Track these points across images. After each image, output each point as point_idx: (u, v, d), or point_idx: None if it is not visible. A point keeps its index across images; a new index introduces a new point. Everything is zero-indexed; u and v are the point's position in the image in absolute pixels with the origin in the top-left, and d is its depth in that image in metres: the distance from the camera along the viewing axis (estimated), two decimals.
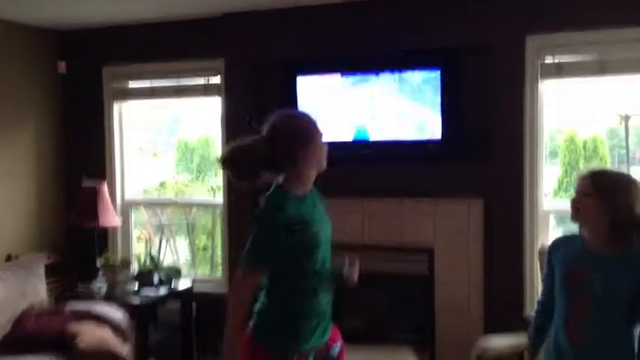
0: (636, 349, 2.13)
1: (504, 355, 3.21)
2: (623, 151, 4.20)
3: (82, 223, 4.13)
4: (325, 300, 2.18)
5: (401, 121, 3.68)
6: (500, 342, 3.22)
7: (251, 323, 2.20)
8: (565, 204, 3.93)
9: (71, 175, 4.58)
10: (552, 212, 3.65)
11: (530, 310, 3.52)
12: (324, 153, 2.17)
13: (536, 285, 3.54)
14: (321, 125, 2.19)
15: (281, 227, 2.05)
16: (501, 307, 3.56)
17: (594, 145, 4.31)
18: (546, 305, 2.29)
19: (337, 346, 2.28)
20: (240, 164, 2.11)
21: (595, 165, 4.17)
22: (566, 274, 2.18)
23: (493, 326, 3.51)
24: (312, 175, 2.17)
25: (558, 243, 2.29)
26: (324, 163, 2.18)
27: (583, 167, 4.25)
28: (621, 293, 2.07)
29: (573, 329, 2.14)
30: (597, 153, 4.29)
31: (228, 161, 2.13)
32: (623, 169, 4.16)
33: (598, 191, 2.10)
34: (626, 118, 3.97)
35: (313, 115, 2.22)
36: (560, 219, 3.80)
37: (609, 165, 4.24)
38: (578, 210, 2.16)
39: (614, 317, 2.09)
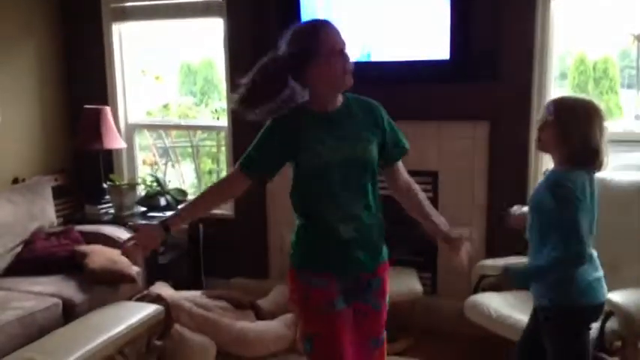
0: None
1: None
2: (634, 72, 4.12)
3: (86, 145, 4.13)
4: (348, 228, 2.01)
5: (409, 40, 3.58)
6: (500, 263, 3.27)
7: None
8: None
9: (74, 98, 4.54)
10: None
11: None
12: (334, 68, 1.94)
13: None
14: (333, 34, 1.95)
15: (275, 135, 2.04)
16: (503, 230, 3.59)
17: (605, 66, 4.23)
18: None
19: (377, 279, 2.14)
20: (265, 80, 1.98)
21: (605, 88, 4.10)
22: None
23: (495, 249, 3.56)
24: (327, 93, 2.00)
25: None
26: (342, 80, 1.97)
27: (592, 89, 4.18)
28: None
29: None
30: (607, 74, 4.21)
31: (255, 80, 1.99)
32: (633, 91, 4.10)
33: (555, 118, 2.11)
34: (639, 37, 3.87)
35: (323, 23, 1.99)
36: None
37: (618, 86, 4.17)
38: (539, 139, 2.19)
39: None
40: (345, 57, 1.97)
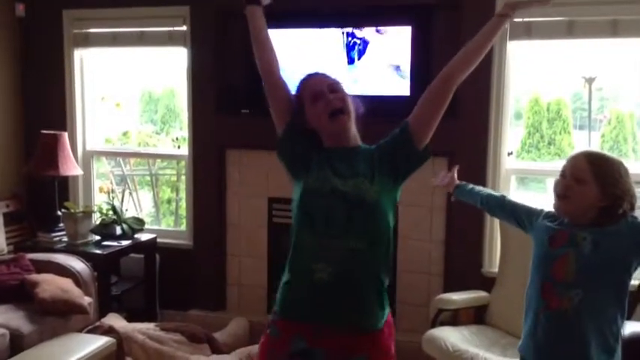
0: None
1: (462, 310, 3.32)
2: (585, 114, 4.29)
3: (41, 171, 4.04)
4: (320, 268, 1.79)
5: (370, 77, 3.65)
6: (457, 297, 3.31)
7: None
8: (527, 165, 4.04)
9: (31, 123, 4.45)
10: (514, 172, 3.72)
11: (489, 267, 3.63)
12: (316, 111, 1.92)
13: (494, 244, 3.63)
14: (314, 80, 2.00)
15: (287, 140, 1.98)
16: (461, 265, 3.65)
17: (558, 107, 4.39)
18: (499, 202, 2.30)
19: (361, 358, 1.82)
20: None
21: (559, 128, 4.25)
22: (549, 238, 1.99)
23: (452, 284, 3.61)
24: (326, 133, 1.94)
25: (548, 214, 2.09)
26: (326, 121, 1.91)
27: (546, 129, 4.33)
28: (614, 255, 1.89)
29: (551, 293, 1.94)
30: (560, 115, 4.37)
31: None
32: (585, 132, 4.26)
33: (597, 178, 1.89)
34: (590, 80, 4.04)
35: (310, 74, 2.05)
36: (520, 180, 3.88)
37: (571, 127, 4.33)
38: (565, 193, 1.93)
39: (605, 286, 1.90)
40: (324, 99, 1.92)
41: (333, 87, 1.95)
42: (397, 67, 3.62)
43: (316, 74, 2.02)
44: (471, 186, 2.52)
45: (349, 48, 3.69)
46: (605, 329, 1.90)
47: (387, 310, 1.89)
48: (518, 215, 2.20)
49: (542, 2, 2.02)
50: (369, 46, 3.64)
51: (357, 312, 1.82)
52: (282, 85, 2.04)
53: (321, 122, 1.93)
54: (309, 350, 1.82)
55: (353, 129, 1.97)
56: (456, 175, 2.54)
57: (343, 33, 3.67)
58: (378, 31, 3.63)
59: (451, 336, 3.06)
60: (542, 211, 2.13)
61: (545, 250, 1.99)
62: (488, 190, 2.49)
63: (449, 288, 3.59)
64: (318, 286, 1.79)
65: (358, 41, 3.66)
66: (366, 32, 3.64)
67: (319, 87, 1.95)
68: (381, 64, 3.64)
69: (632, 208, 1.92)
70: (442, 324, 3.23)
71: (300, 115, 1.97)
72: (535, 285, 1.99)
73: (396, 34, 3.59)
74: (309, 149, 1.94)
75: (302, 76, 2.05)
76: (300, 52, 3.74)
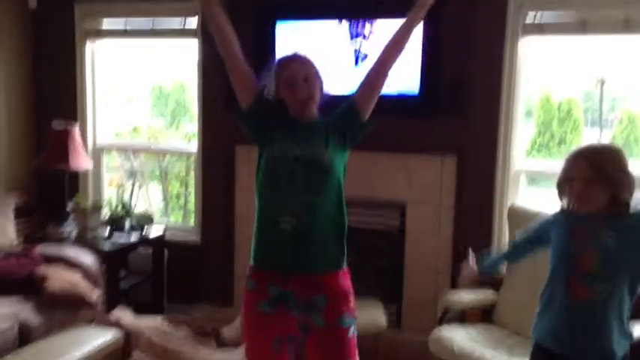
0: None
1: (469, 309, 3.31)
2: (597, 114, 4.25)
3: (51, 164, 4.06)
4: (285, 220, 2.09)
5: None
6: (465, 296, 3.30)
7: None
8: (537, 164, 4.02)
9: (41, 116, 4.48)
10: (524, 172, 3.69)
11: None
12: (284, 82, 2.21)
13: (503, 243, 3.61)
14: (284, 66, 2.24)
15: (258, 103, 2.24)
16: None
17: (569, 106, 4.35)
18: (519, 246, 2.35)
19: (321, 298, 2.11)
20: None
21: (569, 128, 4.22)
22: (568, 231, 2.11)
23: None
24: (292, 104, 2.22)
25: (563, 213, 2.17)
26: (292, 93, 2.20)
27: (556, 128, 4.30)
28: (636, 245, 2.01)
29: (578, 285, 2.05)
30: (571, 115, 4.33)
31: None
32: (596, 132, 4.22)
33: (603, 176, 2.01)
34: (602, 81, 4.00)
35: (286, 57, 2.29)
36: (531, 179, 3.85)
37: (582, 127, 4.29)
38: (581, 196, 2.04)
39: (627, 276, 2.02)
40: (295, 88, 2.19)
41: (307, 77, 2.20)
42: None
43: (295, 59, 2.25)
44: (487, 261, 2.47)
45: (355, 49, 3.67)
46: (624, 316, 2.04)
47: (345, 255, 2.19)
48: (537, 239, 2.26)
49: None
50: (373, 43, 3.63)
51: (317, 256, 2.13)
52: (243, 63, 2.28)
53: (286, 91, 2.21)
54: (283, 293, 2.13)
55: (314, 108, 2.23)
56: (473, 263, 2.46)
57: (350, 24, 3.65)
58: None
59: (458, 335, 3.05)
60: (554, 216, 2.21)
61: (565, 244, 2.10)
62: (502, 252, 2.51)
63: (456, 287, 3.57)
64: (283, 236, 2.10)
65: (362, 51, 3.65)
66: (373, 28, 3.62)
67: (294, 75, 2.20)
68: None
69: (632, 194, 2.04)
70: (449, 322, 3.22)
71: (273, 90, 2.24)
72: (559, 278, 2.09)
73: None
74: (273, 122, 2.21)
75: (282, 56, 2.29)
76: (307, 45, 3.71)
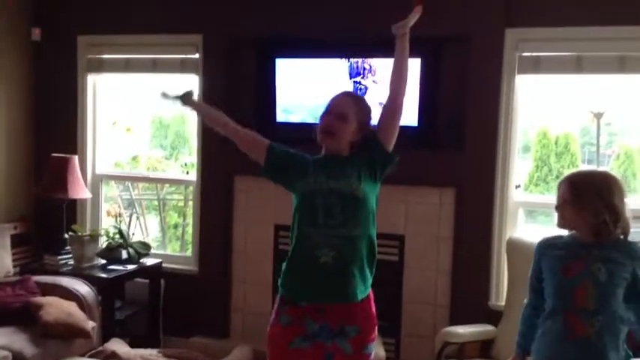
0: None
1: (468, 344, 3.28)
2: (594, 149, 4.29)
3: (50, 193, 4.06)
4: (323, 252, 2.20)
5: (378, 107, 3.67)
6: (463, 331, 3.28)
7: None
8: (534, 198, 4.04)
9: (42, 146, 4.49)
10: (522, 205, 3.71)
11: (496, 300, 3.60)
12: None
13: (502, 276, 3.60)
14: (341, 92, 2.43)
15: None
16: (468, 296, 3.62)
17: (566, 141, 4.39)
18: (536, 305, 2.27)
19: (355, 328, 2.26)
20: None
21: (567, 162, 4.25)
22: (562, 268, 2.15)
23: (458, 316, 3.57)
24: (322, 144, 2.36)
25: (546, 243, 2.25)
26: (319, 135, 2.34)
27: (554, 163, 4.33)
28: (621, 279, 2.08)
29: (576, 321, 2.10)
30: (568, 149, 4.37)
31: None
32: (593, 167, 4.25)
33: (579, 198, 2.10)
34: (599, 115, 4.05)
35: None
36: (528, 212, 3.86)
37: (579, 162, 4.32)
38: (562, 218, 2.16)
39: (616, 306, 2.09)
40: (324, 116, 2.33)
41: (343, 115, 2.31)
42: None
43: (340, 96, 2.41)
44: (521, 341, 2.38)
45: (355, 81, 3.72)
46: (620, 341, 2.11)
47: (370, 282, 2.33)
48: (542, 283, 2.25)
49: (416, 12, 2.44)
50: (374, 75, 3.67)
51: (355, 286, 2.24)
52: (241, 130, 2.47)
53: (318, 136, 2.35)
54: (320, 327, 2.23)
55: (342, 144, 2.33)
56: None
57: (350, 63, 3.70)
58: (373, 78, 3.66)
59: None
60: (538, 248, 2.26)
61: (560, 279, 2.14)
62: (524, 326, 2.38)
63: (455, 320, 3.55)
64: (323, 270, 2.20)
65: (362, 83, 3.70)
66: (372, 62, 3.67)
67: (330, 105, 2.36)
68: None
69: (618, 222, 2.09)
70: (447, 357, 3.19)
71: None
72: (557, 313, 2.14)
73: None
74: (300, 162, 2.34)
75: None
76: (307, 82, 3.78)
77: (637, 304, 2.12)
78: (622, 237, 2.13)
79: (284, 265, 2.35)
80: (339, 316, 2.24)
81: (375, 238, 2.34)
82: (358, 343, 2.26)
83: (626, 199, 2.12)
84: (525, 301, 2.36)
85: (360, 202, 2.25)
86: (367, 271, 2.30)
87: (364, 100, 2.46)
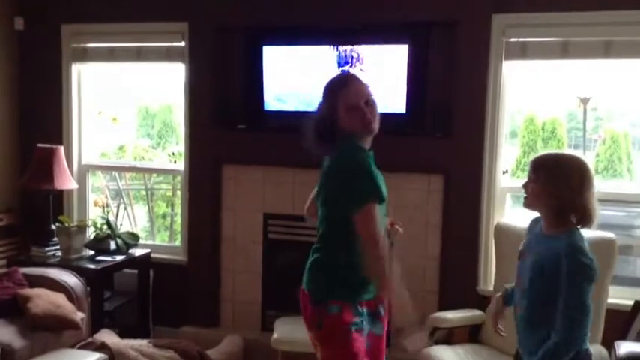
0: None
1: (457, 328, 3.30)
2: (580, 134, 4.32)
3: (36, 185, 4.03)
4: None
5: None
6: (452, 316, 3.30)
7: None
8: (522, 183, 4.06)
9: (27, 137, 4.45)
10: (509, 191, 3.73)
11: (484, 285, 3.63)
12: (351, 120, 2.32)
13: (490, 261, 3.63)
14: (344, 92, 2.32)
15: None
16: (456, 282, 3.64)
17: (553, 127, 4.41)
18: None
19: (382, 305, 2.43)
20: None
21: (554, 148, 4.28)
22: (519, 252, 2.24)
23: (447, 301, 3.60)
24: (370, 136, 2.39)
25: (531, 223, 2.29)
26: (361, 128, 2.33)
27: (540, 148, 4.35)
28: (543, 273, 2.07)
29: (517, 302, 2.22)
30: (555, 135, 4.39)
31: None
32: (580, 152, 4.28)
33: (539, 176, 2.10)
34: (585, 101, 4.07)
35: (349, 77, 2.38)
36: (516, 198, 3.89)
37: (565, 147, 4.35)
38: (526, 196, 2.17)
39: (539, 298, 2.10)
40: (360, 112, 2.27)
41: (368, 100, 2.27)
42: None
43: (353, 82, 2.31)
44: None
45: (343, 70, 3.71)
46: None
47: None
48: None
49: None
50: (362, 63, 3.66)
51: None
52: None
53: (356, 128, 2.28)
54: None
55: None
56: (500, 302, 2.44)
57: (338, 52, 3.69)
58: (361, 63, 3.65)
59: (446, 355, 3.04)
60: (531, 222, 2.30)
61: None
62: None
63: (444, 305, 3.58)
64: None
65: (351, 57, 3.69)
66: (360, 50, 3.66)
67: (356, 99, 2.26)
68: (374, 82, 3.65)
69: (578, 211, 2.07)
70: (437, 342, 3.22)
71: (331, 120, 2.28)
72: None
73: (391, 51, 3.62)
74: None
75: (336, 80, 2.35)
76: (295, 69, 3.76)
77: None
78: (578, 227, 2.09)
79: (351, 274, 2.30)
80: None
81: None
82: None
83: (592, 189, 2.09)
84: None
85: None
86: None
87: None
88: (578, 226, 2.09)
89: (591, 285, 2.01)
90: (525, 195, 2.18)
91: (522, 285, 2.16)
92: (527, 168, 2.19)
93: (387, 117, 3.59)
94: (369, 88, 2.31)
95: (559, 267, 2.01)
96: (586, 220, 2.07)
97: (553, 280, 2.02)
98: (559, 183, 2.06)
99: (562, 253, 2.02)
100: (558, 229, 2.09)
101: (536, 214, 2.23)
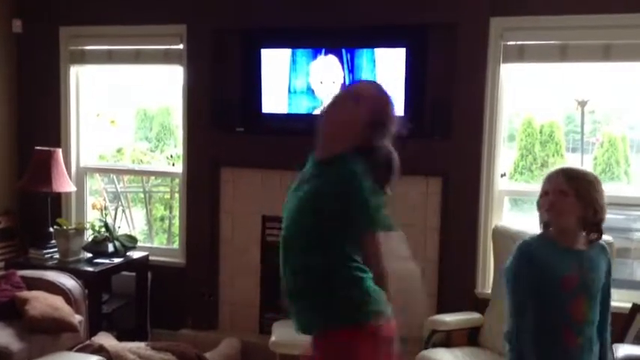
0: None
1: (455, 331, 3.30)
2: (578, 137, 4.32)
3: (34, 187, 4.02)
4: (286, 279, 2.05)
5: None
6: (451, 319, 3.30)
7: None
8: (520, 186, 4.06)
9: (25, 139, 4.45)
10: (507, 193, 3.73)
11: (483, 288, 3.62)
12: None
13: (488, 265, 3.63)
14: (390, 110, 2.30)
15: None
16: (455, 285, 3.64)
17: (550, 130, 4.42)
18: (524, 327, 2.09)
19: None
20: None
21: (551, 151, 4.28)
22: (561, 280, 2.09)
23: (446, 304, 3.60)
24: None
25: (530, 250, 2.13)
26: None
27: (538, 151, 4.36)
28: (602, 287, 2.15)
29: (570, 334, 2.10)
30: (553, 138, 4.40)
31: None
32: (578, 155, 4.29)
33: (577, 191, 2.09)
34: (583, 103, 4.07)
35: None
36: (513, 201, 3.89)
37: (563, 150, 4.35)
38: (553, 206, 2.10)
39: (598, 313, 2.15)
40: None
41: None
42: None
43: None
44: None
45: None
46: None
47: None
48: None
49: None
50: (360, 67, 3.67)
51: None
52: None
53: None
54: None
55: None
56: None
57: (342, 56, 3.69)
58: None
59: (444, 357, 3.04)
60: (526, 250, 2.13)
61: (557, 291, 2.09)
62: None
63: (442, 308, 3.58)
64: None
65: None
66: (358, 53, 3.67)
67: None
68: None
69: (598, 224, 2.13)
70: (435, 345, 3.22)
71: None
72: (551, 323, 2.09)
73: (389, 54, 3.62)
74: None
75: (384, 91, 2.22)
76: (293, 72, 3.76)
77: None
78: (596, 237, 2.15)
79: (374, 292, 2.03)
80: None
81: None
82: None
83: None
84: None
85: None
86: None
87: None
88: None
89: None
90: (549, 208, 2.11)
91: (586, 317, 2.11)
92: (551, 180, 2.13)
93: None
94: None
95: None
96: (600, 235, 2.15)
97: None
98: (597, 195, 2.10)
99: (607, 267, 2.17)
100: (585, 245, 2.15)
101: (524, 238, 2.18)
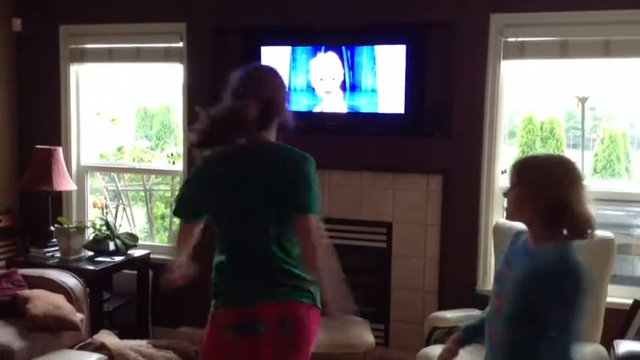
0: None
1: (456, 328, 3.30)
2: (579, 133, 4.32)
3: (35, 186, 4.02)
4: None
5: (365, 94, 3.67)
6: (451, 316, 3.30)
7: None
8: None
9: (26, 138, 4.44)
10: None
11: (483, 285, 3.63)
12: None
13: (488, 262, 3.63)
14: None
15: None
16: (455, 282, 3.64)
17: (551, 126, 4.42)
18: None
19: None
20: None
21: (552, 147, 4.28)
22: (498, 272, 1.99)
23: (446, 301, 3.60)
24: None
25: (513, 237, 2.00)
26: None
27: (539, 148, 4.36)
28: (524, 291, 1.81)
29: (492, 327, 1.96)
30: (554, 134, 4.40)
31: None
32: (578, 151, 4.28)
33: (523, 179, 1.83)
34: (583, 100, 4.07)
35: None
36: None
37: (564, 146, 4.35)
38: (508, 204, 1.91)
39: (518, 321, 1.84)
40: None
41: None
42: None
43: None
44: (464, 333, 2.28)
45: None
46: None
47: None
48: None
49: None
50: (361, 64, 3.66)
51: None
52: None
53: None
54: None
55: None
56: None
57: (342, 54, 3.69)
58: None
59: None
60: (513, 236, 2.01)
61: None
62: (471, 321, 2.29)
63: (443, 305, 3.58)
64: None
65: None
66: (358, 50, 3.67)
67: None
68: (373, 82, 3.66)
69: (566, 219, 1.78)
70: (436, 342, 3.22)
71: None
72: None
73: (389, 52, 3.62)
74: None
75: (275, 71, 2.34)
76: (293, 69, 3.76)
77: None
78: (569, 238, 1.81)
79: None
80: None
81: None
82: None
83: (584, 192, 1.80)
84: None
85: None
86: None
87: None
88: (572, 239, 1.80)
89: (584, 307, 1.73)
90: (507, 204, 1.92)
91: (502, 308, 1.89)
92: (508, 175, 1.92)
93: (386, 117, 3.65)
94: None
95: (546, 287, 1.73)
96: (580, 228, 1.78)
97: (539, 303, 1.75)
98: (546, 181, 1.78)
99: (550, 271, 1.74)
100: (547, 242, 1.81)
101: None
